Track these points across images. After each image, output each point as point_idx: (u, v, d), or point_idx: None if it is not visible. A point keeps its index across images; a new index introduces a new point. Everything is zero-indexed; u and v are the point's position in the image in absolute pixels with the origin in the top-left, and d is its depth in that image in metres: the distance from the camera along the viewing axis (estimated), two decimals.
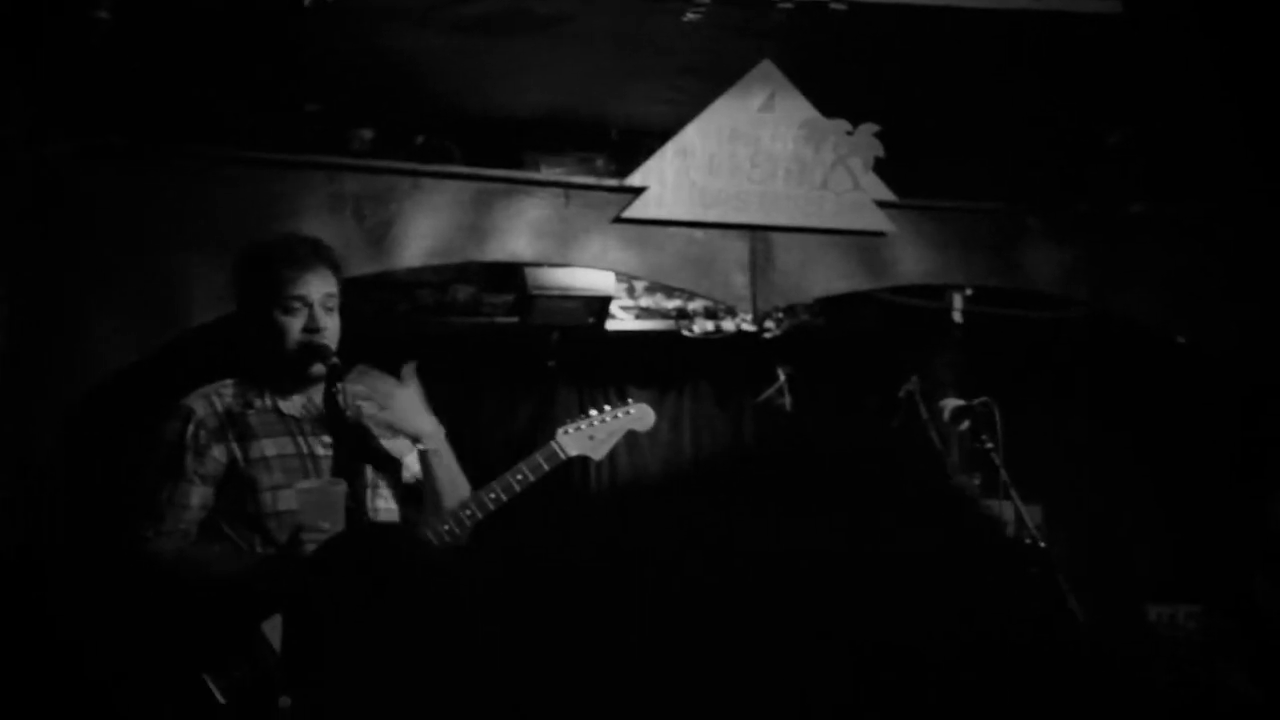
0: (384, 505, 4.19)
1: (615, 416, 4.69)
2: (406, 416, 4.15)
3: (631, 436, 6.79)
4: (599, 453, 4.67)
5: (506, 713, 1.13)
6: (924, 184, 5.71)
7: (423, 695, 2.28)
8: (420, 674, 2.27)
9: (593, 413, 4.67)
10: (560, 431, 4.54)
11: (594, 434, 4.61)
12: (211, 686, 3.81)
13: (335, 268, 4.16)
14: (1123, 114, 6.13)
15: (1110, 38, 5.37)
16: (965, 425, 4.83)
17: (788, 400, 7.39)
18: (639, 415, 4.80)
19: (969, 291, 6.60)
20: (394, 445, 4.29)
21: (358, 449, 4.06)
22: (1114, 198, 6.03)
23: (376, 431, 4.23)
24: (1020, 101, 5.99)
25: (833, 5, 5.07)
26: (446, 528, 4.13)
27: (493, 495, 4.25)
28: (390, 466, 4.19)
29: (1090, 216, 5.96)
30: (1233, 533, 6.26)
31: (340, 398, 3.94)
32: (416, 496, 4.27)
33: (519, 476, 4.30)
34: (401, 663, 2.27)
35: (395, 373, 4.30)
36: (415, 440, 4.16)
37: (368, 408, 4.26)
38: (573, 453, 4.54)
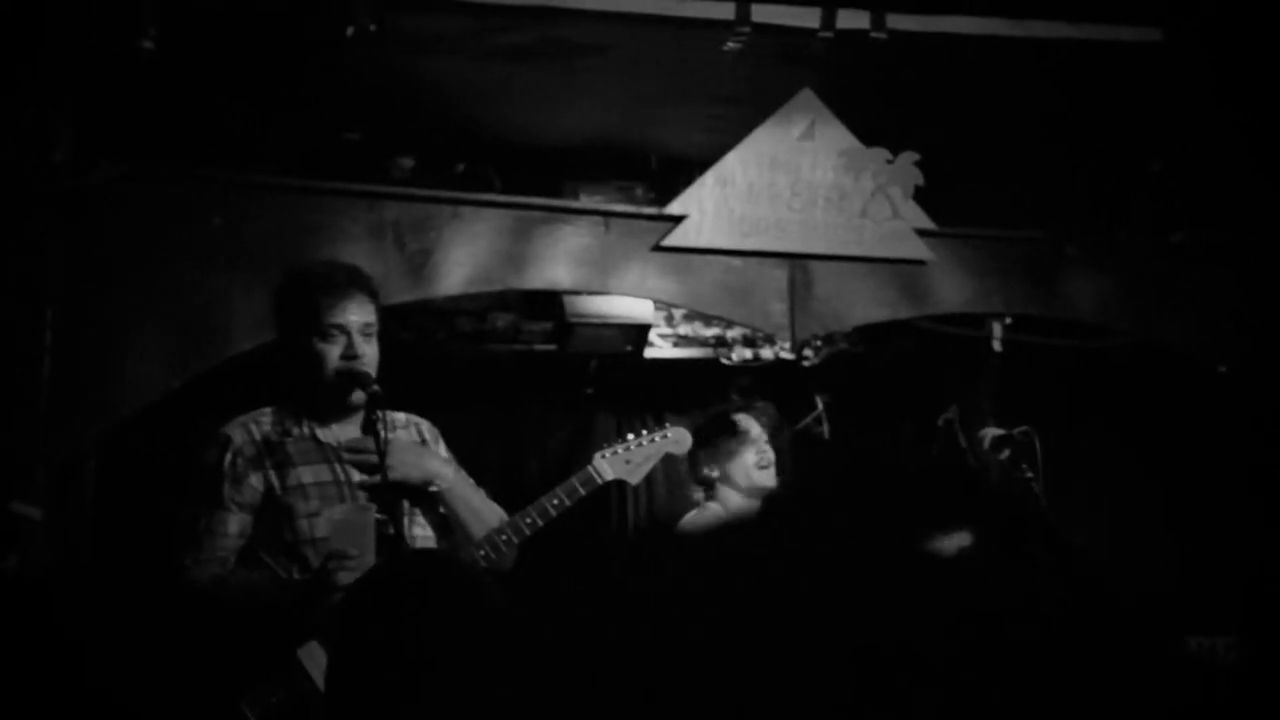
0: (421, 533, 4.19)
1: (652, 440, 4.70)
2: (407, 465, 4.13)
3: (670, 463, 6.76)
4: (635, 476, 4.68)
5: None
6: (964, 212, 5.70)
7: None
8: (467, 697, 2.27)
9: (629, 436, 4.67)
10: (597, 455, 4.55)
11: (631, 458, 4.62)
12: (247, 713, 3.82)
13: (373, 295, 4.17)
14: (1163, 142, 6.10)
15: (1151, 65, 5.35)
16: (1005, 454, 4.81)
17: (826, 428, 7.37)
18: (676, 438, 4.81)
19: (1009, 320, 6.57)
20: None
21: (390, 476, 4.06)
22: (1155, 226, 6.00)
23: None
24: (1060, 129, 5.97)
25: (873, 34, 5.07)
26: (482, 553, 4.14)
27: (529, 520, 4.25)
28: (427, 495, 4.20)
29: (1131, 245, 5.93)
30: (1274, 560, 6.20)
31: (380, 426, 3.94)
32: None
33: (555, 501, 4.30)
34: (448, 686, 2.27)
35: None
36: (426, 484, 4.15)
37: (442, 445, 4.31)
38: (609, 476, 4.54)
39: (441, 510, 4.20)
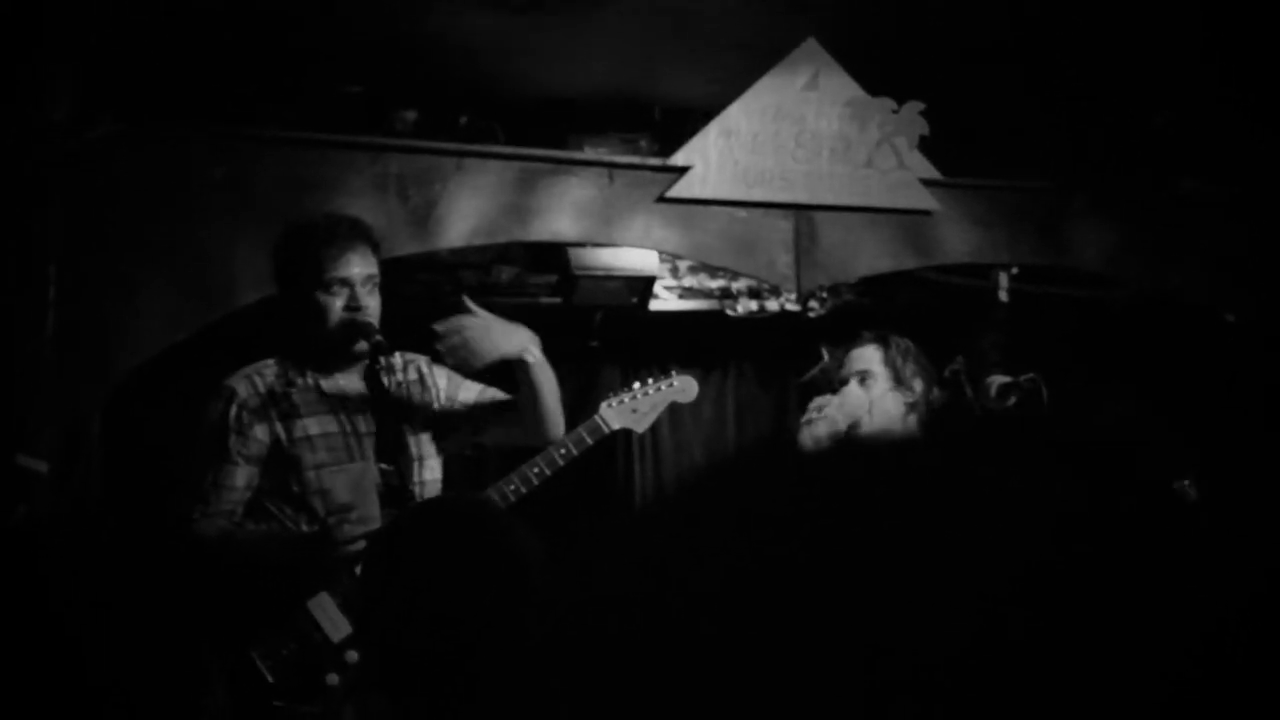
0: (430, 477, 4.20)
1: (659, 389, 4.69)
2: (488, 344, 4.09)
3: (676, 417, 6.71)
4: (642, 425, 4.67)
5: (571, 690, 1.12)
6: (970, 163, 5.67)
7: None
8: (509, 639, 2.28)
9: (635, 385, 4.67)
10: (603, 405, 4.54)
11: (637, 407, 4.61)
12: (259, 664, 3.83)
13: (375, 246, 4.17)
14: (1170, 91, 6.07)
15: (1156, 14, 5.32)
16: (1012, 401, 4.79)
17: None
18: (682, 387, 4.80)
19: (1015, 270, 6.55)
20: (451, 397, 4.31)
21: (402, 424, 4.08)
22: (1162, 175, 5.97)
23: (422, 399, 4.24)
24: (1068, 79, 5.95)
25: None
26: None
27: (536, 470, 4.25)
28: (436, 434, 4.23)
29: (1138, 194, 5.91)
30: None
31: (383, 374, 3.94)
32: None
33: (562, 451, 4.30)
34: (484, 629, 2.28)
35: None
36: (517, 359, 4.11)
37: (438, 370, 4.28)
38: (615, 426, 4.54)
39: (523, 390, 4.18)
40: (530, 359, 4.12)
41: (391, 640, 2.37)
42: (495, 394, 4.36)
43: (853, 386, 5.08)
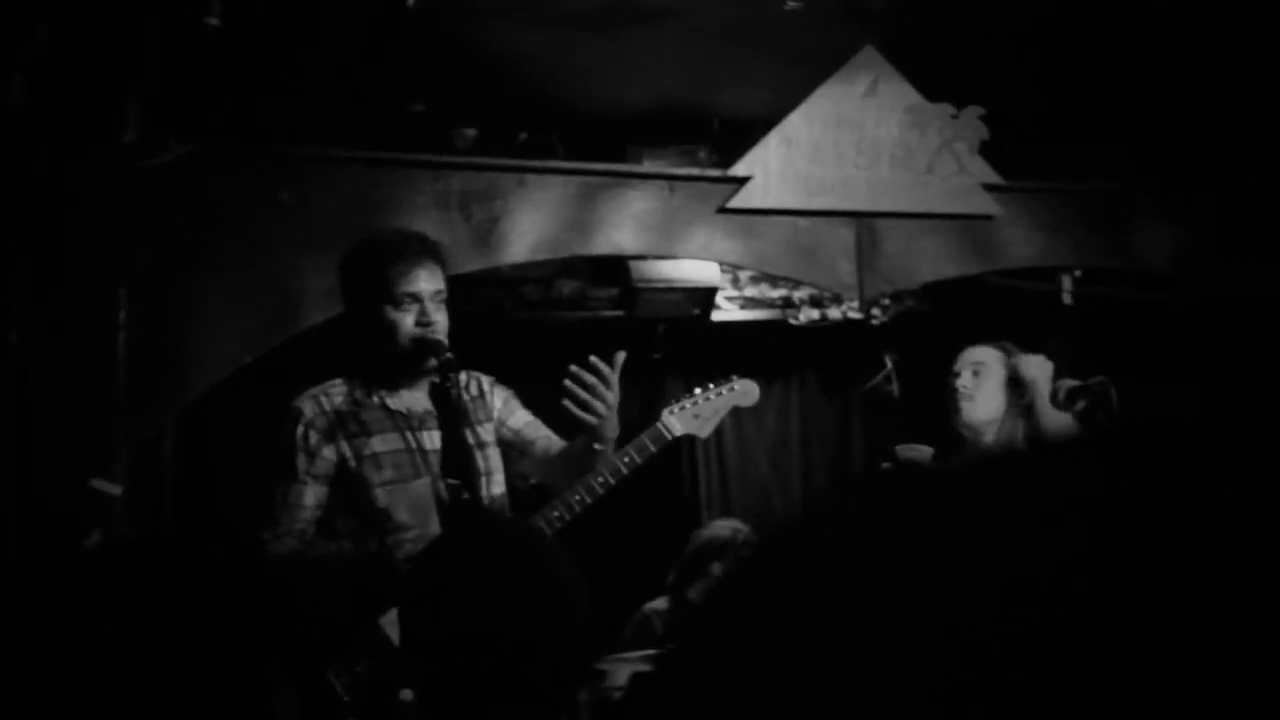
0: (498, 491, 4.21)
1: (719, 393, 4.67)
2: (614, 421, 4.11)
3: (740, 428, 6.71)
4: (705, 430, 4.66)
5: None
6: (1031, 166, 5.65)
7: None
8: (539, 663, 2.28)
9: (697, 391, 4.65)
10: (665, 411, 4.53)
11: (699, 412, 4.60)
12: (334, 683, 3.86)
13: (443, 262, 4.18)
14: (1233, 89, 6.02)
15: (1218, 12, 5.29)
16: (1081, 405, 4.73)
17: (895, 387, 7.35)
18: (743, 390, 4.77)
19: (1079, 273, 6.51)
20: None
21: (469, 440, 4.08)
22: (1226, 174, 5.93)
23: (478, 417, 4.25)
24: (1129, 79, 5.91)
25: None
26: (557, 514, 4.13)
27: (600, 479, 4.23)
28: (507, 455, 4.23)
29: (1202, 194, 5.86)
30: None
31: (451, 390, 3.94)
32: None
33: (626, 459, 4.28)
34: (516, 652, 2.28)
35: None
36: (602, 444, 4.11)
37: (498, 390, 4.29)
38: (679, 432, 4.52)
39: (578, 457, 4.16)
40: (607, 448, 4.15)
41: (425, 660, 2.38)
42: (542, 431, 4.35)
43: (965, 378, 4.92)
